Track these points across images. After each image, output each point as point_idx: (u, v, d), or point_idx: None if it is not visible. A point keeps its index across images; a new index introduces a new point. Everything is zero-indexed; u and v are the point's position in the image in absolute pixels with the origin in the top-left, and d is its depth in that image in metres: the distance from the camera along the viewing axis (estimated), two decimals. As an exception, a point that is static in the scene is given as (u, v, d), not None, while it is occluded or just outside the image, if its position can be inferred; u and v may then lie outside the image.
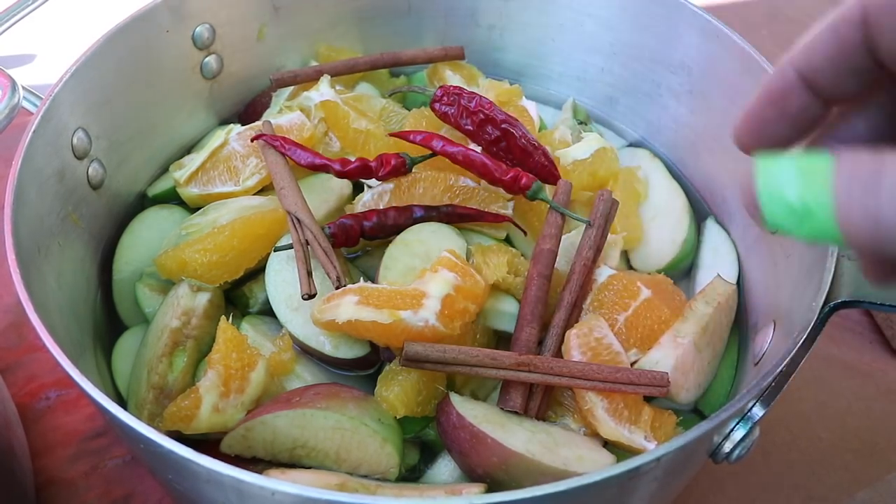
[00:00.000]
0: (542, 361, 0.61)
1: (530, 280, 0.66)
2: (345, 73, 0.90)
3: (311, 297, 0.63)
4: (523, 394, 0.62)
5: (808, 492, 0.75)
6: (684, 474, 0.62)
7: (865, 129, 0.39)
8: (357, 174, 0.72)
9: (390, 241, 0.70)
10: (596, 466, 0.57)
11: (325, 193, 0.76)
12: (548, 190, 0.74)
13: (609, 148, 0.81)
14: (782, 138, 0.40)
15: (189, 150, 0.87)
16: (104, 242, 0.77)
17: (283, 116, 0.80)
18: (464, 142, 0.75)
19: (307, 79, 0.87)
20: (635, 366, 0.65)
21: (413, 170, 0.74)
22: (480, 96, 0.76)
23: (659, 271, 0.77)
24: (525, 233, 0.73)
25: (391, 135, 0.76)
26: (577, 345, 0.63)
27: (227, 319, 0.65)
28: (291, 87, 0.86)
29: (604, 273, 0.70)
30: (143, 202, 0.83)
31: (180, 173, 0.77)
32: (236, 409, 0.61)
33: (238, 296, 0.73)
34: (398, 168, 0.72)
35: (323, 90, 0.83)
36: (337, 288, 0.64)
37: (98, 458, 0.75)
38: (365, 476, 0.60)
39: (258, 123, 0.79)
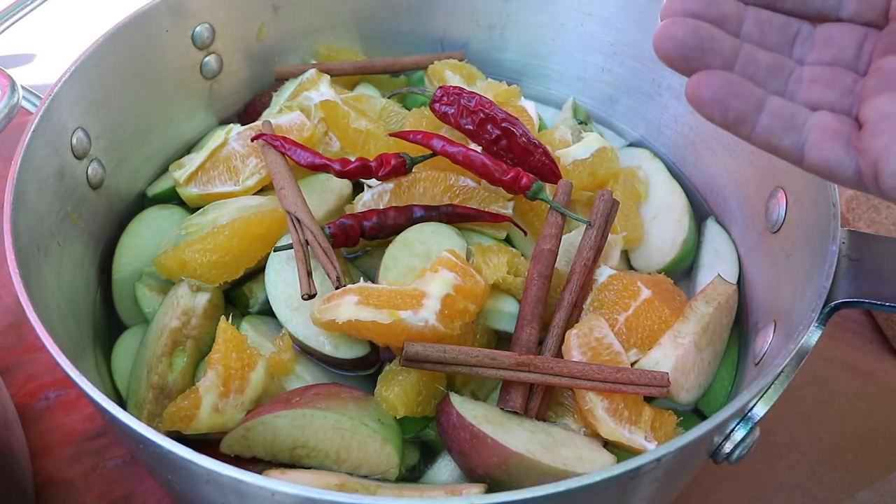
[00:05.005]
0: (542, 361, 0.61)
1: (530, 280, 0.66)
2: (350, 73, 0.91)
3: (311, 297, 0.63)
4: (523, 394, 0.62)
5: (809, 492, 0.75)
6: (684, 475, 0.62)
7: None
8: (357, 174, 0.72)
9: (390, 241, 0.70)
10: (596, 467, 0.57)
11: (325, 193, 0.76)
12: (548, 189, 0.74)
13: (609, 148, 0.81)
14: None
15: (189, 149, 0.87)
16: (104, 242, 0.77)
17: (283, 116, 0.80)
18: (464, 142, 0.75)
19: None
20: (636, 366, 0.65)
21: (413, 170, 0.74)
22: (480, 96, 0.76)
23: (659, 271, 0.77)
24: (525, 233, 0.73)
25: (391, 135, 0.76)
26: (577, 345, 0.63)
27: (227, 319, 0.65)
28: (292, 87, 0.86)
29: (604, 273, 0.70)
30: (142, 202, 0.83)
31: (180, 173, 0.77)
32: (236, 409, 0.61)
33: (238, 296, 0.73)
34: (398, 168, 0.72)
35: (323, 90, 0.83)
36: (337, 288, 0.64)
37: (98, 458, 0.75)
38: (365, 476, 0.60)
39: (258, 123, 0.79)
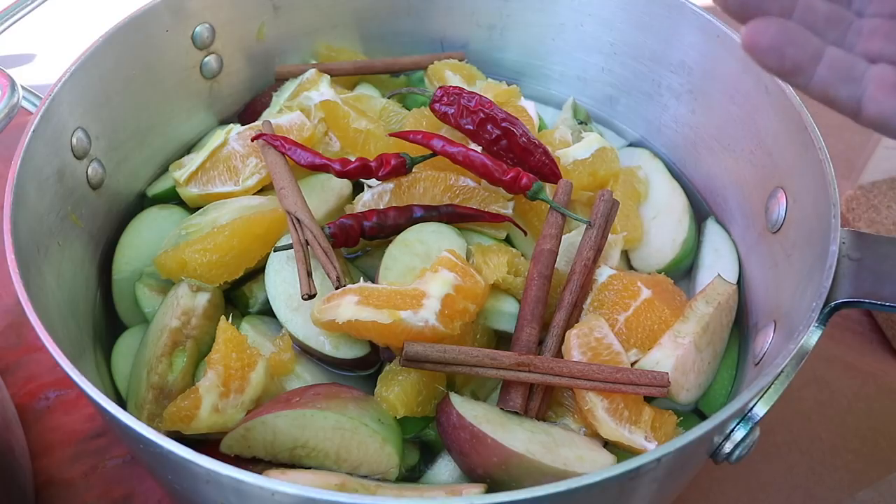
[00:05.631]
0: (542, 361, 0.61)
1: (530, 280, 0.66)
2: (350, 73, 0.91)
3: (311, 297, 0.63)
4: (523, 394, 0.62)
5: (809, 492, 0.75)
6: (685, 475, 0.62)
7: None
8: (357, 174, 0.72)
9: (390, 241, 0.70)
10: (596, 467, 0.57)
11: (325, 193, 0.76)
12: (548, 189, 0.74)
13: (609, 148, 0.81)
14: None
15: (189, 149, 0.87)
16: (104, 242, 0.77)
17: (283, 116, 0.80)
18: (464, 142, 0.75)
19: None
20: (636, 366, 0.65)
21: (413, 170, 0.74)
22: (480, 96, 0.76)
23: (659, 271, 0.77)
24: (525, 233, 0.73)
25: (391, 135, 0.76)
26: (577, 345, 0.63)
27: (227, 319, 0.65)
28: (292, 87, 0.86)
29: (604, 273, 0.70)
30: (142, 202, 0.83)
31: (180, 173, 0.77)
32: (236, 409, 0.61)
33: (238, 296, 0.73)
34: (398, 168, 0.72)
35: (323, 90, 0.83)
36: (337, 288, 0.64)
37: (98, 458, 0.75)
38: (365, 476, 0.60)
39: (258, 123, 0.79)
